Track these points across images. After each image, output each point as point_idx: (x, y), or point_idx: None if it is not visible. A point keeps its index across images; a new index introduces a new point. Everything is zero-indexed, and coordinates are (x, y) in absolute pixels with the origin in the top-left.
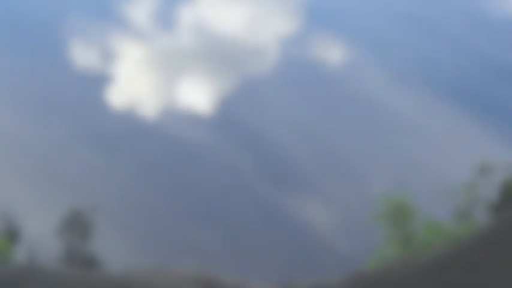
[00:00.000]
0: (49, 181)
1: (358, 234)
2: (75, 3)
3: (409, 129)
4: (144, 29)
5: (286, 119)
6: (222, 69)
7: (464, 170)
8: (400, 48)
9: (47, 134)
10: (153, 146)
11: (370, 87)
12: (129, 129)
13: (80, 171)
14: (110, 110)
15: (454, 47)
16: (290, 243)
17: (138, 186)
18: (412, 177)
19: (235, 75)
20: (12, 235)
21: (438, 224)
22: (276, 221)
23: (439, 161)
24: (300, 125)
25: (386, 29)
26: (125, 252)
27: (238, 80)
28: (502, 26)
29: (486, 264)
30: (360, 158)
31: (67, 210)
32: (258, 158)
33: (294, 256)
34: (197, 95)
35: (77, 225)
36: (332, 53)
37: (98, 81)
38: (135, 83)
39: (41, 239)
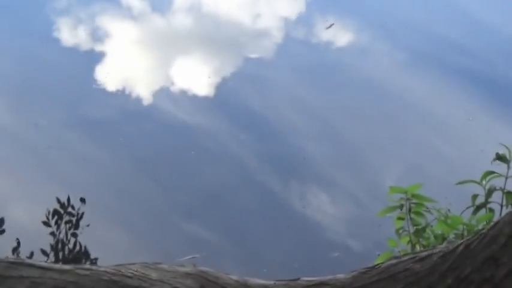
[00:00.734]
0: (35, 169)
1: (368, 227)
2: None
3: (423, 115)
4: (140, 8)
5: (291, 104)
6: (222, 50)
7: (483, 159)
8: (413, 29)
9: (33, 119)
10: (148, 132)
11: (381, 71)
12: (123, 114)
13: (70, 158)
14: (102, 93)
15: (473, 28)
16: (296, 238)
17: (132, 175)
18: (426, 166)
19: (236, 57)
20: None
21: (454, 216)
22: (281, 214)
23: (455, 149)
24: (307, 111)
25: (398, 8)
26: (118, 247)
27: (239, 62)
28: None
29: (504, 259)
30: (371, 147)
31: (55, 200)
32: (261, 145)
33: (299, 251)
34: (196, 78)
35: (65, 217)
36: (340, 34)
37: (93, 61)
38: (130, 65)
39: (26, 230)
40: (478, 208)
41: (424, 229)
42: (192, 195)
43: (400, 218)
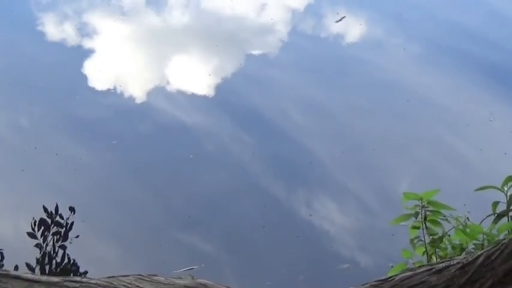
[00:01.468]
0: (19, 174)
1: (380, 236)
2: None
3: (440, 114)
4: (137, 4)
5: (297, 103)
6: (223, 46)
7: (505, 163)
8: (429, 20)
9: (17, 118)
10: (143, 133)
11: (395, 67)
12: (116, 114)
13: (58, 163)
14: (94, 92)
15: (494, 18)
16: (301, 248)
17: (125, 181)
18: (443, 170)
19: (238, 54)
20: None
21: (473, 225)
22: (285, 222)
23: (474, 151)
24: (314, 111)
25: None
26: (110, 260)
27: (241, 59)
28: None
29: None
30: (382, 149)
31: (41, 208)
32: (264, 148)
33: (305, 263)
34: (195, 76)
35: (52, 227)
36: (351, 28)
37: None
38: (126, 62)
39: (9, 242)
40: (500, 216)
41: (441, 239)
42: (189, 202)
43: (414, 227)
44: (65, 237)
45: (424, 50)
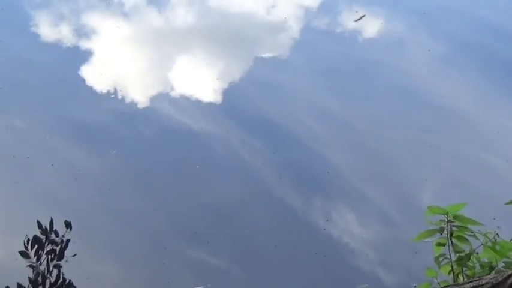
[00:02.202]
0: (12, 185)
1: (402, 253)
2: None
3: (466, 122)
4: (140, 3)
5: (313, 110)
6: (231, 48)
7: None
8: (454, 18)
9: (10, 123)
10: (147, 140)
11: (412, 71)
12: (118, 119)
13: (54, 172)
14: (94, 95)
15: None
16: (318, 264)
17: (127, 192)
18: (470, 182)
19: (247, 56)
20: None
21: (503, 242)
22: (301, 237)
23: (504, 162)
24: (330, 118)
25: None
26: (110, 280)
27: (251, 62)
28: None
29: None
30: (404, 158)
31: (35, 224)
32: (278, 157)
33: (321, 281)
34: (202, 80)
35: (47, 245)
36: (371, 27)
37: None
38: (127, 65)
39: (2, 261)
40: None
41: (468, 256)
42: (198, 214)
43: (440, 244)
44: (60, 256)
45: (449, 51)
